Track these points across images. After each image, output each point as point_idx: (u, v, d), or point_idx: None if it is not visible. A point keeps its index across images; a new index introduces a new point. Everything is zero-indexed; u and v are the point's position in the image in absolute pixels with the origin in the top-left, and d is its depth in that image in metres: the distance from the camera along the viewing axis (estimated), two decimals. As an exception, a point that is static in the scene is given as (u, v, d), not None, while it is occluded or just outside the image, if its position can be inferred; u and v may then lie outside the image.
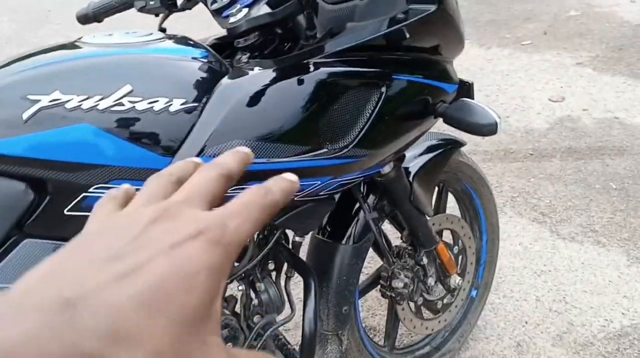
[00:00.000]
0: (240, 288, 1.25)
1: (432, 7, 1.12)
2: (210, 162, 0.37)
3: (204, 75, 1.00)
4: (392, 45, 1.15)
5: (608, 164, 2.92)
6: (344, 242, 1.40)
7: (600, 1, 5.43)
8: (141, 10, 1.24)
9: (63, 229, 0.96)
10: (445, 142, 1.55)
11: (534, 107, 3.59)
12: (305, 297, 1.27)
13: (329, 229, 1.43)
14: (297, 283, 1.30)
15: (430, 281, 1.58)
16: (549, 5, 5.45)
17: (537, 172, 2.91)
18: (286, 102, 1.03)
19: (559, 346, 1.89)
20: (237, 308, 1.29)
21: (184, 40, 1.09)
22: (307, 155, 1.04)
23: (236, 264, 1.22)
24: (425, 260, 1.55)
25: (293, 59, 1.07)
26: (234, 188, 0.98)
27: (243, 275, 1.22)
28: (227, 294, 1.30)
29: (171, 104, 0.93)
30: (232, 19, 1.06)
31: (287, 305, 1.31)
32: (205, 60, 1.03)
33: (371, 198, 1.42)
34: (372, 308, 2.05)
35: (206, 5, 1.14)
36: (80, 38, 1.04)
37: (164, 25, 1.28)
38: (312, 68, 1.06)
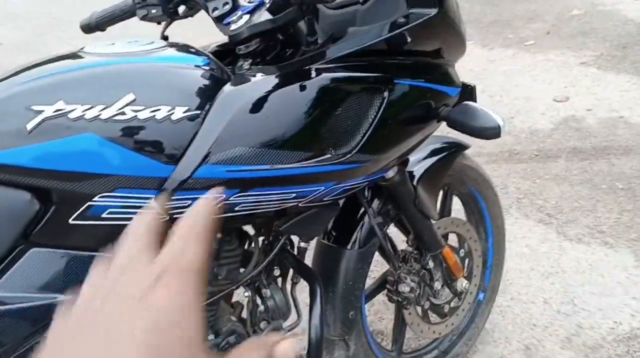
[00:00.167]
0: (246, 294, 1.25)
1: (433, 11, 1.12)
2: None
3: (206, 82, 1.00)
4: (394, 50, 1.15)
5: (614, 164, 2.91)
6: (349, 247, 1.40)
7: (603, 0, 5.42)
8: (143, 18, 1.24)
9: (68, 238, 0.96)
10: (449, 145, 1.55)
11: (538, 108, 3.58)
12: (311, 303, 1.27)
13: (334, 234, 1.42)
14: (303, 289, 1.29)
15: (437, 285, 1.58)
16: (552, 5, 5.43)
17: (542, 173, 2.89)
18: (288, 108, 1.03)
19: (568, 349, 1.88)
20: (244, 315, 1.29)
21: (185, 48, 1.09)
22: (310, 161, 1.04)
23: (242, 270, 1.22)
24: (431, 264, 1.55)
25: (295, 65, 1.07)
26: (238, 195, 0.99)
27: (249, 281, 1.22)
28: (233, 300, 1.30)
29: (174, 112, 0.93)
30: (233, 26, 1.07)
31: (293, 310, 1.31)
32: (207, 68, 1.03)
33: (376, 203, 1.41)
34: (379, 312, 2.05)
35: (208, 12, 1.14)
36: (82, 48, 1.05)
37: (166, 33, 1.28)
38: (314, 74, 1.06)
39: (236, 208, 1.02)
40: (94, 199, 0.92)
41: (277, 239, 1.22)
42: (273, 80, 1.03)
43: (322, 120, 1.05)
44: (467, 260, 1.71)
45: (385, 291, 1.56)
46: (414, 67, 1.19)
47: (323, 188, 1.09)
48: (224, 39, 1.16)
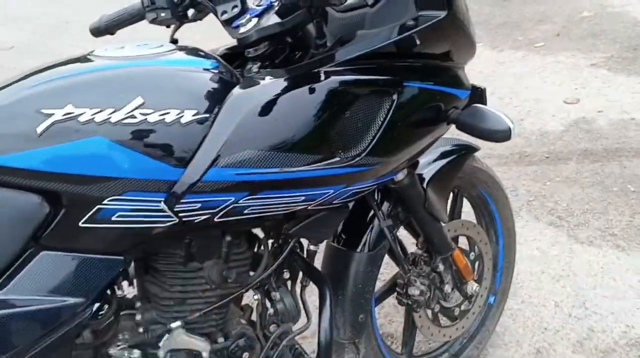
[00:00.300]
0: (255, 297, 1.25)
1: (442, 13, 1.12)
2: None
3: (215, 85, 1.01)
4: (403, 52, 1.15)
5: (625, 166, 2.89)
6: (359, 249, 1.39)
7: (613, 1, 5.39)
8: (153, 22, 1.25)
9: (78, 241, 0.97)
10: (459, 148, 1.54)
11: (549, 110, 3.56)
12: (321, 306, 1.27)
13: (343, 237, 1.42)
14: (312, 292, 1.29)
15: (447, 288, 1.57)
16: (562, 6, 5.41)
17: (553, 176, 2.88)
18: (297, 111, 1.03)
19: (580, 353, 1.86)
20: (253, 318, 1.29)
21: (194, 52, 1.10)
22: (319, 164, 1.04)
23: (251, 273, 1.22)
24: (441, 267, 1.54)
25: (304, 68, 1.07)
26: (247, 198, 0.99)
27: (258, 284, 1.22)
28: (242, 303, 1.30)
29: (183, 116, 0.93)
30: (242, 29, 1.07)
31: (303, 314, 1.31)
32: (216, 71, 1.03)
33: (385, 206, 1.41)
34: (389, 315, 2.04)
35: (216, 16, 1.14)
36: (92, 51, 1.05)
37: (174, 37, 1.29)
38: (322, 77, 1.06)
39: (245, 211, 1.02)
40: (103, 202, 0.93)
41: (286, 242, 1.22)
42: (282, 83, 1.03)
43: (331, 123, 1.05)
44: (477, 263, 1.70)
45: (395, 294, 1.55)
46: (423, 69, 1.19)
47: (332, 191, 1.09)
48: (233, 42, 1.16)
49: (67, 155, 0.91)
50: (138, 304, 1.17)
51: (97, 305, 1.02)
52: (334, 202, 1.13)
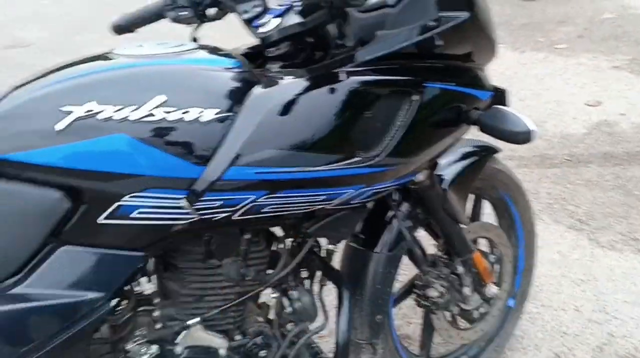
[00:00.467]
0: (273, 295, 1.26)
1: (465, 14, 1.12)
2: None
3: (236, 84, 1.01)
4: (424, 53, 1.14)
5: (648, 170, 2.86)
6: (377, 250, 1.39)
7: (635, 3, 5.33)
8: (173, 20, 1.26)
9: (98, 237, 0.98)
10: (479, 149, 1.53)
11: (570, 112, 3.53)
12: (339, 306, 1.27)
13: (362, 237, 1.41)
14: (330, 290, 1.29)
15: (466, 290, 1.56)
16: (583, 8, 5.36)
17: (574, 178, 2.85)
18: (318, 111, 1.03)
19: None
20: (271, 316, 1.29)
21: (215, 51, 1.10)
22: (339, 163, 1.04)
23: (269, 272, 1.22)
24: (460, 269, 1.53)
25: (324, 68, 1.07)
26: (267, 196, 0.99)
27: (276, 283, 1.22)
28: (260, 301, 1.31)
29: (204, 114, 0.94)
30: (263, 29, 1.07)
31: (319, 313, 1.31)
32: (237, 70, 1.03)
33: (405, 206, 1.40)
34: (406, 317, 2.03)
35: (238, 15, 1.15)
36: (112, 49, 1.06)
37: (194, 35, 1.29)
38: (343, 77, 1.05)
39: (264, 210, 1.02)
40: (123, 199, 0.94)
41: (304, 241, 1.22)
42: (302, 82, 1.03)
43: (352, 123, 1.05)
44: (497, 266, 1.68)
45: (413, 295, 1.54)
46: (445, 70, 1.18)
47: (352, 190, 1.09)
48: (254, 41, 1.16)
49: (88, 152, 0.91)
50: (156, 300, 1.18)
51: (115, 300, 1.03)
52: (353, 202, 1.13)
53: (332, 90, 1.04)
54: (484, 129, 1.22)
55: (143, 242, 1.01)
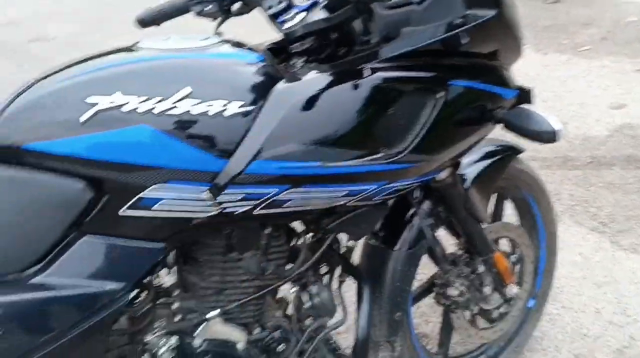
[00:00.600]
0: (292, 290, 1.26)
1: (492, 12, 1.11)
2: None
3: (261, 79, 1.01)
4: (449, 50, 1.14)
5: (671, 173, 2.82)
6: (397, 247, 1.38)
7: (660, 6, 5.26)
8: (198, 14, 1.26)
9: (120, 228, 0.98)
10: (502, 148, 1.52)
11: (593, 114, 3.49)
12: (359, 303, 1.26)
13: (382, 234, 1.41)
14: (349, 286, 1.29)
15: (487, 290, 1.55)
16: (607, 10, 5.29)
17: (596, 181, 2.82)
18: (341, 107, 1.03)
19: (620, 360, 1.82)
20: (289, 311, 1.29)
21: (240, 45, 1.11)
22: (362, 159, 1.03)
23: (289, 266, 1.22)
24: (481, 269, 1.52)
25: (348, 64, 1.07)
26: (289, 191, 0.99)
27: (295, 277, 1.22)
28: (279, 296, 1.31)
29: (228, 107, 0.94)
30: (288, 24, 1.07)
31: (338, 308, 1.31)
32: (262, 65, 1.04)
33: (426, 205, 1.40)
34: (425, 315, 2.02)
35: (263, 10, 1.15)
36: (136, 43, 1.07)
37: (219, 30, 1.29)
38: (367, 73, 1.05)
39: (286, 204, 1.02)
40: (146, 191, 0.94)
41: (325, 237, 1.22)
42: (326, 78, 1.03)
43: (375, 119, 1.05)
44: (518, 266, 1.67)
45: (433, 294, 1.54)
46: (470, 68, 1.17)
47: (374, 187, 1.08)
48: (278, 37, 1.17)
49: (111, 143, 0.92)
50: (176, 293, 1.18)
51: (135, 292, 1.04)
52: (375, 198, 1.12)
53: (356, 86, 1.04)
54: (509, 127, 1.21)
55: (164, 234, 1.02)
